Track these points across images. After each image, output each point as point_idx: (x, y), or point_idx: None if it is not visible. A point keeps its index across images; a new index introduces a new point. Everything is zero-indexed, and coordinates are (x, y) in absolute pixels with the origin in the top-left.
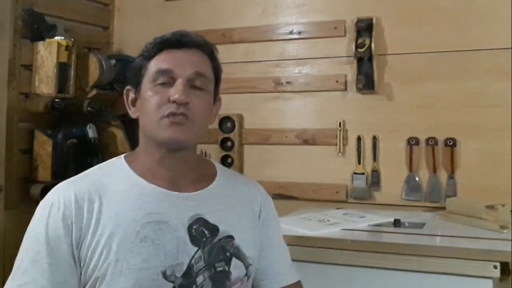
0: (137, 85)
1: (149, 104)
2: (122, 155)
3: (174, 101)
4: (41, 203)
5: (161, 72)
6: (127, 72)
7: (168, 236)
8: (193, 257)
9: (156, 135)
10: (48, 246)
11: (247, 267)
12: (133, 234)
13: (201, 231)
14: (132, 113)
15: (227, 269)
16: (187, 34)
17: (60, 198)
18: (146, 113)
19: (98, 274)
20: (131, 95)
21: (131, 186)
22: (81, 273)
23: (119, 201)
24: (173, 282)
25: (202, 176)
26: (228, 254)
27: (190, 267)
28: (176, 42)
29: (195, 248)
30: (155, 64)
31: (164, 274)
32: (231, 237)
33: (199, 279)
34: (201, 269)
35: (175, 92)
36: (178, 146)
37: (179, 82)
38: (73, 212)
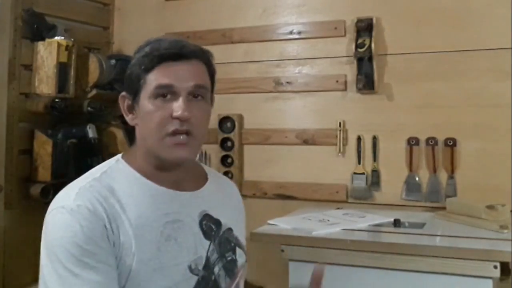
0: (134, 94)
1: (151, 120)
2: (119, 156)
3: (177, 117)
4: (60, 209)
5: (162, 87)
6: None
7: (186, 233)
8: (208, 250)
9: (160, 153)
10: (95, 247)
11: (246, 254)
12: (158, 233)
13: (209, 226)
14: (130, 120)
15: (234, 257)
16: (185, 45)
17: (84, 201)
18: (147, 128)
19: (132, 275)
20: (127, 101)
21: (142, 189)
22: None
23: (136, 204)
24: (197, 275)
25: (197, 176)
26: (232, 244)
27: (207, 259)
28: (175, 54)
29: (208, 242)
30: (155, 78)
31: (190, 269)
32: (231, 229)
33: (216, 270)
34: (216, 260)
35: (178, 108)
36: (182, 164)
37: (181, 99)
38: (103, 214)
